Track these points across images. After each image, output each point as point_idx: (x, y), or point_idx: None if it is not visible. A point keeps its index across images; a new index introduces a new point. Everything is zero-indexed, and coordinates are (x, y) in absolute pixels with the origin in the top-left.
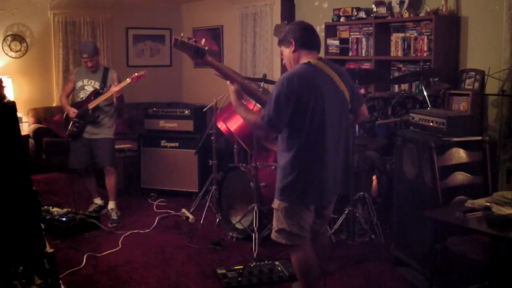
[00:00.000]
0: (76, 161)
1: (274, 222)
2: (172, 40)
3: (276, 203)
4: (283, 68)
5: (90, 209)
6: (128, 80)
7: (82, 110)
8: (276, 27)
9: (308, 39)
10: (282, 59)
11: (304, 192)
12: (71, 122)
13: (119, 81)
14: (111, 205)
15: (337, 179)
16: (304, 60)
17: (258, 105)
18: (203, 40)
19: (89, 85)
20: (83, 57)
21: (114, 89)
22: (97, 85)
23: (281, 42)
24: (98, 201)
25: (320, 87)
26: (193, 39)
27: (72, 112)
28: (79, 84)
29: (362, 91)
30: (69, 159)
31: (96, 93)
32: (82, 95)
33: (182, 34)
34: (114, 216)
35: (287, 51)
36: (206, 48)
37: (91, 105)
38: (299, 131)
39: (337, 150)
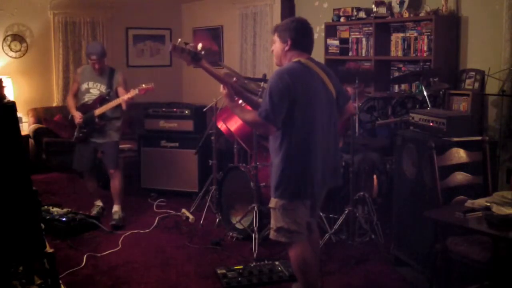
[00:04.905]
0: (79, 163)
1: (272, 221)
2: (170, 46)
3: (273, 202)
4: None
5: (94, 211)
6: (136, 91)
7: (88, 116)
8: (276, 27)
9: (304, 43)
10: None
11: (298, 187)
12: (77, 127)
13: (125, 83)
14: (115, 208)
15: (326, 175)
16: (294, 59)
17: None
18: (200, 45)
19: (94, 88)
20: (92, 59)
21: (124, 98)
22: (103, 88)
23: (278, 32)
24: (99, 203)
25: (310, 85)
26: (190, 44)
27: (78, 117)
28: (84, 86)
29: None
30: (73, 160)
31: (102, 99)
32: (87, 98)
33: (179, 40)
34: (116, 217)
35: (280, 46)
36: (203, 52)
37: (97, 112)
38: (290, 128)
39: (326, 146)
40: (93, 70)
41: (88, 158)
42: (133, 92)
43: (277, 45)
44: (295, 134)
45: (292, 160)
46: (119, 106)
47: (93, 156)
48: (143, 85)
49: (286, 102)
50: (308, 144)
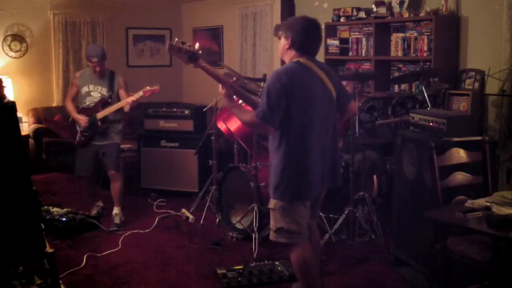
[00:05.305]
0: (80, 167)
1: (272, 222)
2: (167, 45)
3: (272, 203)
4: None
5: (94, 211)
6: (141, 93)
7: (91, 119)
8: (276, 27)
9: (306, 46)
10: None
11: (298, 188)
12: (79, 131)
13: (126, 85)
14: (115, 210)
15: (326, 175)
16: (294, 59)
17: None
18: (197, 44)
19: (95, 91)
20: (93, 62)
21: (128, 100)
22: (104, 91)
23: (283, 30)
24: (99, 203)
25: (309, 85)
26: (187, 44)
27: (84, 121)
28: (85, 89)
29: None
30: (75, 165)
31: (104, 102)
32: (89, 101)
33: (176, 39)
34: (117, 220)
35: (283, 43)
36: (200, 52)
37: (100, 115)
38: (289, 128)
39: (326, 146)
40: (93, 73)
41: (89, 162)
42: (137, 95)
43: (281, 42)
44: (293, 134)
45: (291, 160)
46: (120, 108)
47: (94, 159)
48: (148, 87)
49: (284, 102)
50: (306, 144)
